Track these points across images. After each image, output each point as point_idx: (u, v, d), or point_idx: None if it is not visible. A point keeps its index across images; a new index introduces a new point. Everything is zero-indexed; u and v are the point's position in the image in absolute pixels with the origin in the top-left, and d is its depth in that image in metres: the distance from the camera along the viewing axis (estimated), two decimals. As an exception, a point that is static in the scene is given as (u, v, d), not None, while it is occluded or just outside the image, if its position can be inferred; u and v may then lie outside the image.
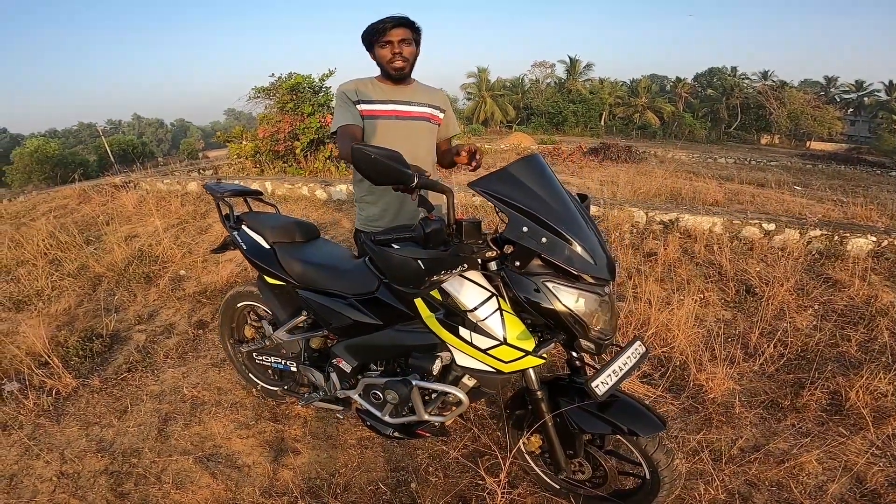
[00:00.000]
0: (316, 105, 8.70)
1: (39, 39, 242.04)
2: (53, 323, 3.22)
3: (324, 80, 9.08)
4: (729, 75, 46.21)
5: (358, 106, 1.97)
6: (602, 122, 40.98)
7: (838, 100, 50.16)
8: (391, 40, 1.87)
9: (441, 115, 2.13)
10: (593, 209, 4.92)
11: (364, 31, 1.92)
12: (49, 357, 2.64)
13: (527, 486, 1.86)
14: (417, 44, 1.95)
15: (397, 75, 1.95)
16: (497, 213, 1.30)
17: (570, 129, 38.01)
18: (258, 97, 9.75)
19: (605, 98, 41.79)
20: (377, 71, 2.02)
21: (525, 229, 1.22)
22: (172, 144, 69.31)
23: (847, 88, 51.34)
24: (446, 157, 2.14)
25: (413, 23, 1.90)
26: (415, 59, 1.98)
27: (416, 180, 1.21)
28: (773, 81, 42.84)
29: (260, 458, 2.08)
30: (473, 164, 1.86)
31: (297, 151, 8.37)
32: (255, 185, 6.57)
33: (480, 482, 1.82)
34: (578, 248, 1.22)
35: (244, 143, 9.15)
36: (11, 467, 2.08)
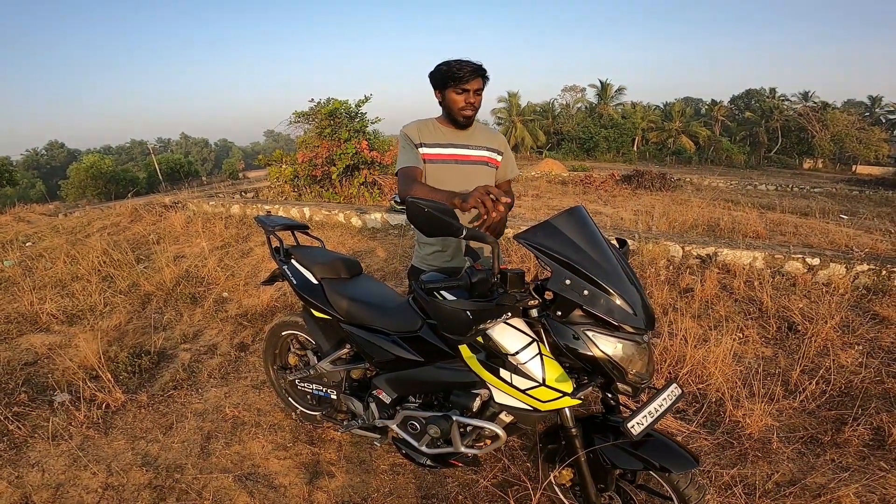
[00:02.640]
0: (352, 131, 8.99)
1: (96, 59, 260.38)
2: (105, 338, 3.38)
3: (360, 106, 9.40)
4: (767, 97, 45.17)
5: (421, 148, 2.01)
6: (635, 148, 40.55)
7: (884, 120, 48.07)
8: (468, 89, 1.90)
9: (499, 158, 2.14)
10: (629, 243, 4.87)
11: (438, 71, 1.92)
12: (101, 371, 2.77)
13: (556, 518, 1.86)
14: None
15: (465, 123, 1.99)
16: (540, 263, 1.36)
17: (601, 154, 37.75)
18: (298, 121, 10.18)
19: (637, 122, 41.39)
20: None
21: (567, 282, 1.27)
22: (215, 164, 72.52)
23: (893, 108, 49.23)
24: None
25: (487, 75, 1.95)
26: (480, 107, 2.03)
27: (464, 233, 1.29)
28: (815, 103, 41.54)
29: (296, 479, 2.15)
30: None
31: (334, 177, 8.64)
32: (293, 210, 6.89)
33: (509, 512, 1.82)
34: (619, 300, 1.26)
35: (284, 166, 9.52)
36: (59, 476, 2.18)
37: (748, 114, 44.53)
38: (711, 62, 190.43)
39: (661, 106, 48.19)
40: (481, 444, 1.67)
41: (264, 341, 2.54)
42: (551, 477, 1.72)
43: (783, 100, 43.94)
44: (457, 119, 1.97)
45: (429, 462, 1.76)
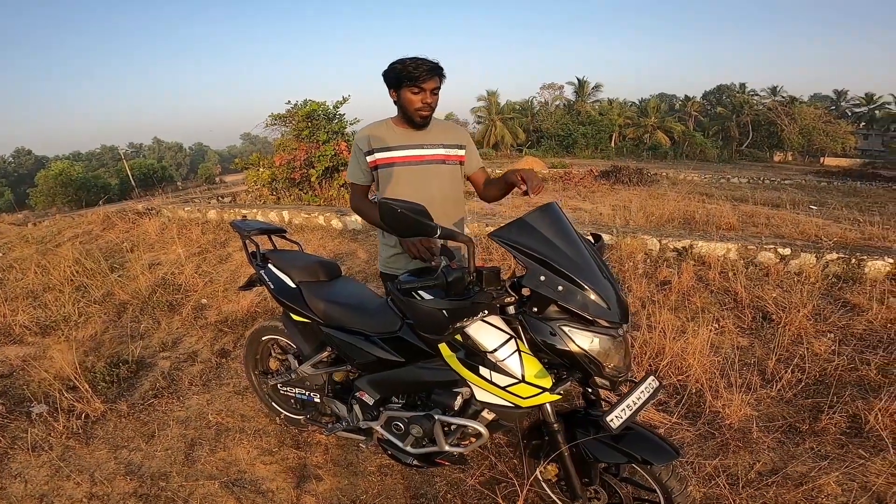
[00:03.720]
0: (331, 132, 8.92)
1: (64, 63, 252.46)
2: (80, 348, 3.32)
3: (338, 108, 9.31)
4: (738, 92, 46.31)
5: (372, 155, 1.99)
6: (612, 144, 41.11)
7: (849, 114, 49.84)
8: (423, 88, 1.84)
9: (462, 153, 2.09)
10: (607, 237, 4.95)
11: (393, 69, 1.85)
12: (78, 381, 2.73)
13: (544, 513, 1.88)
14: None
15: (422, 123, 1.94)
16: (516, 260, 1.37)
17: (580, 151, 38.19)
18: (275, 124, 10.03)
19: (614, 119, 41.99)
20: (389, 102, 1.97)
21: (542, 278, 1.28)
22: (191, 168, 71.10)
23: (858, 102, 51.00)
24: (490, 190, 2.11)
25: (444, 73, 1.88)
26: (436, 106, 1.97)
27: (438, 232, 1.30)
28: (783, 97, 42.76)
29: (283, 483, 2.14)
30: (526, 189, 1.66)
31: (313, 179, 8.56)
32: (272, 214, 6.79)
33: (498, 510, 1.84)
34: (593, 295, 1.28)
35: (261, 170, 9.38)
36: (42, 487, 2.15)
37: (720, 109, 45.56)
38: (684, 59, 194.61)
39: (637, 102, 49.12)
40: (466, 442, 1.68)
41: (244, 347, 2.52)
42: (537, 472, 1.74)
43: (753, 95, 45.09)
44: (413, 120, 1.92)
45: (415, 462, 1.76)
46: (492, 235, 1.36)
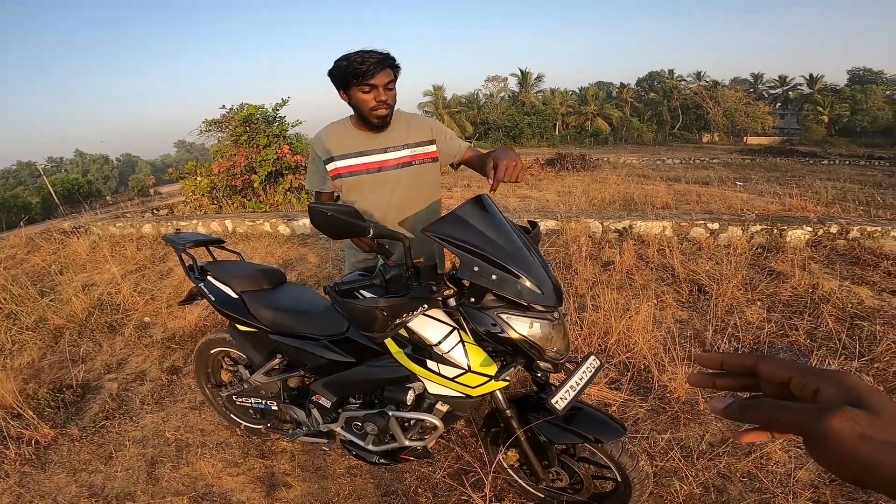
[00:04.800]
0: (271, 136, 8.65)
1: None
2: (19, 377, 3.16)
3: (277, 110, 9.05)
4: (667, 78, 48.74)
5: (332, 163, 1.83)
6: (557, 132, 42.23)
7: (766, 95, 53.62)
8: (376, 85, 1.64)
9: (431, 148, 1.90)
10: (552, 223, 5.12)
11: (338, 68, 1.65)
12: (21, 409, 2.64)
13: (513, 498, 1.94)
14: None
15: (380, 124, 1.76)
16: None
17: (527, 140, 38.94)
18: (210, 130, 9.60)
19: (557, 108, 43.16)
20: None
21: (476, 269, 1.30)
22: (120, 181, 66.63)
23: (773, 84, 55.03)
24: (479, 169, 1.85)
25: (397, 63, 1.68)
26: (395, 102, 1.76)
27: (371, 232, 1.30)
28: (707, 82, 45.56)
29: (253, 493, 2.12)
30: (493, 182, 1.46)
31: (256, 185, 8.28)
32: (214, 224, 6.52)
33: (468, 499, 1.89)
34: (527, 282, 1.31)
35: (199, 178, 8.96)
36: None
37: (652, 94, 47.83)
38: (618, 47, 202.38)
39: (578, 91, 50.55)
40: (426, 436, 1.70)
41: (194, 361, 2.45)
42: (499, 458, 1.79)
43: (680, 80, 47.66)
44: (370, 122, 1.74)
45: (380, 460, 1.78)
46: (425, 231, 1.37)
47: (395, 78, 1.70)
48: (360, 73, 1.60)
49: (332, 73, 1.70)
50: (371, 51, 1.62)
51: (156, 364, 3.25)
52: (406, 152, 1.86)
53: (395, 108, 1.81)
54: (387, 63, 1.63)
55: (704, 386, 0.55)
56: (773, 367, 0.50)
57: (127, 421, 2.69)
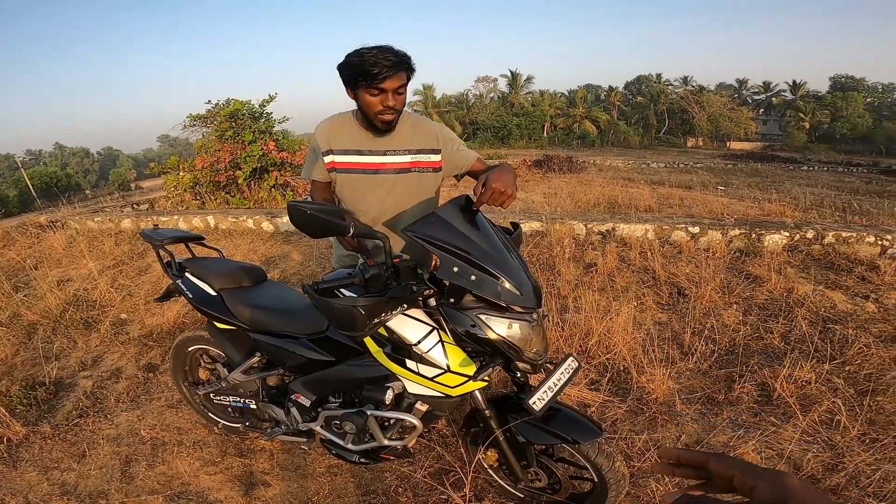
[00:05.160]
0: (257, 132, 8.54)
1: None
2: None
3: (264, 106, 8.94)
4: (655, 82, 49.45)
5: (330, 156, 1.78)
6: (545, 134, 42.55)
7: (750, 101, 54.80)
8: (385, 89, 1.55)
9: (435, 158, 1.80)
10: (537, 225, 5.15)
11: (349, 64, 1.55)
12: None
13: (493, 498, 1.94)
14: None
15: (385, 129, 1.67)
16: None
17: (515, 141, 39.19)
18: (194, 125, 9.45)
19: (546, 110, 43.51)
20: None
21: (455, 269, 1.31)
22: (101, 175, 65.20)
23: (757, 90, 56.17)
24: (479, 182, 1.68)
25: (412, 66, 1.59)
26: (403, 107, 1.68)
27: (351, 231, 1.29)
28: (693, 86, 46.31)
29: (231, 492, 2.09)
30: (476, 202, 1.42)
31: (240, 181, 8.17)
32: (196, 220, 6.42)
33: (448, 498, 1.89)
34: (506, 283, 1.32)
35: (181, 173, 8.82)
36: None
37: (639, 98, 48.45)
38: (608, 50, 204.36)
39: (566, 93, 50.98)
40: (406, 435, 1.70)
41: (171, 359, 2.42)
42: (478, 458, 1.79)
43: (667, 84, 48.40)
44: (374, 124, 1.67)
45: (361, 459, 1.77)
46: (405, 230, 1.36)
47: (408, 81, 1.61)
48: (370, 74, 1.51)
49: (342, 69, 1.60)
50: (387, 50, 1.52)
51: (132, 361, 3.20)
52: (407, 158, 1.77)
53: (406, 110, 1.76)
54: (401, 67, 1.53)
55: (666, 474, 0.66)
56: (720, 465, 0.57)
57: (101, 419, 2.65)
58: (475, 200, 1.42)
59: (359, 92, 1.59)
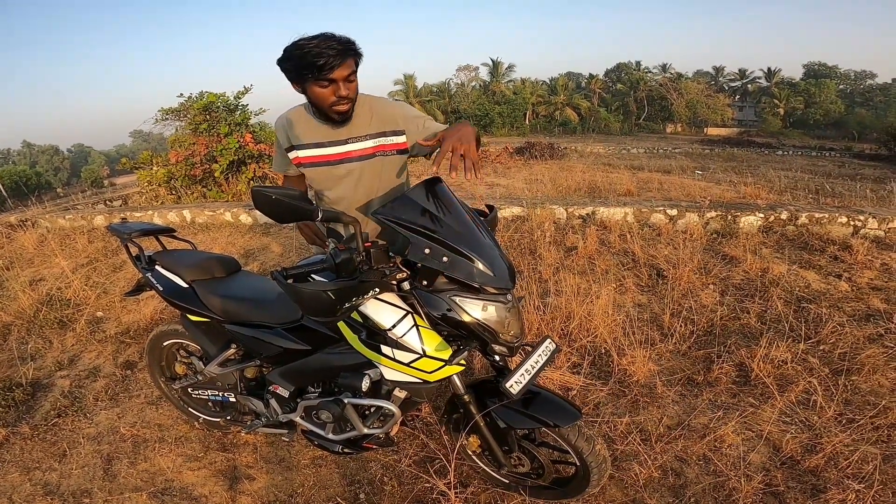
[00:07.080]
0: (233, 124, 8.36)
1: None
2: None
3: (239, 98, 8.76)
4: (634, 70, 49.82)
5: (292, 152, 1.76)
6: (527, 121, 42.61)
7: (727, 88, 55.60)
8: (335, 79, 1.47)
9: (400, 139, 1.73)
10: (519, 210, 5.16)
11: (289, 59, 1.46)
12: None
13: (478, 484, 1.96)
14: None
15: (341, 119, 1.61)
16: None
17: (497, 129, 39.15)
18: (167, 119, 9.21)
19: (527, 98, 43.52)
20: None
21: (427, 251, 1.29)
22: (72, 172, 63.22)
23: (733, 77, 56.97)
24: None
25: (358, 50, 1.51)
26: (357, 93, 1.61)
27: (319, 215, 1.26)
28: (671, 74, 46.80)
29: (216, 487, 2.08)
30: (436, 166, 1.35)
31: (217, 174, 8.00)
32: (171, 214, 6.29)
33: (433, 486, 1.89)
34: (479, 264, 1.31)
35: (155, 168, 8.60)
36: None
37: (619, 86, 48.85)
38: (589, 38, 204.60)
39: (548, 81, 51.03)
40: (385, 423, 1.69)
41: (146, 355, 2.38)
42: (461, 445, 1.79)
43: (647, 72, 48.81)
44: (330, 117, 1.61)
45: (343, 449, 1.75)
46: (374, 213, 1.34)
47: (357, 67, 1.53)
48: (315, 66, 1.42)
49: (282, 65, 1.50)
50: (330, 38, 1.43)
51: (109, 360, 3.14)
52: (369, 143, 1.71)
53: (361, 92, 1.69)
54: (348, 54, 1.45)
55: None
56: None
57: (81, 418, 2.61)
58: (434, 166, 1.35)
59: (307, 86, 1.51)
